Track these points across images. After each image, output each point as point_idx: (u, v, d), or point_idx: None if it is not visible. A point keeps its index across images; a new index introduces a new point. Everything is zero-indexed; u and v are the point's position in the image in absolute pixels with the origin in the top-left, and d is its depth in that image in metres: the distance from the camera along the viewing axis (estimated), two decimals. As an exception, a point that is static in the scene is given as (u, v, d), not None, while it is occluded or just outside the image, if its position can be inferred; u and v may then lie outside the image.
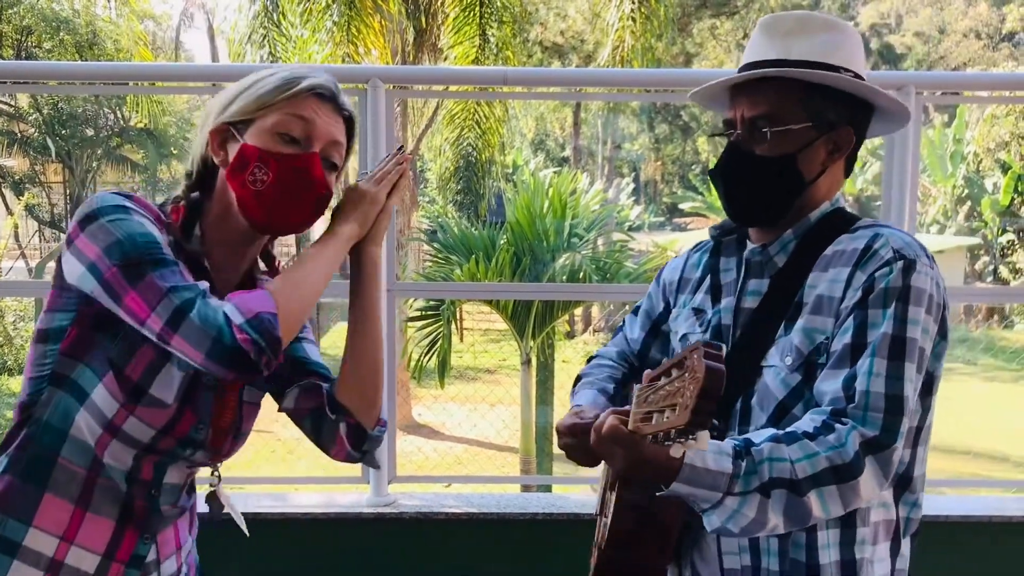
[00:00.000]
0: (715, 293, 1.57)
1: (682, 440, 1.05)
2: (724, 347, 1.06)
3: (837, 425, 1.30)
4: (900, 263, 1.36)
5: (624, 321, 1.83)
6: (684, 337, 1.60)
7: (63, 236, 1.35)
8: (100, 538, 1.32)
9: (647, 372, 1.24)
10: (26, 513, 1.29)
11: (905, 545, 1.48)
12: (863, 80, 1.45)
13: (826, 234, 1.47)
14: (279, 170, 1.31)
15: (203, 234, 1.37)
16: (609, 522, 1.45)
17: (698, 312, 1.59)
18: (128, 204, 1.28)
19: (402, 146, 1.49)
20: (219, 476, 1.50)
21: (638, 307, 1.80)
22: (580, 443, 1.47)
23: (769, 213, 1.49)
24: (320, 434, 1.46)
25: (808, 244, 1.47)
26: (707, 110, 1.67)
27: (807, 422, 1.32)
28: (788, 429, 1.31)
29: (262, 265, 1.48)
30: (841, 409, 1.32)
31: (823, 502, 1.27)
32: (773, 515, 1.27)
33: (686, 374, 1.05)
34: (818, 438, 1.29)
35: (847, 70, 1.45)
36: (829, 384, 1.35)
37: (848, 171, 1.54)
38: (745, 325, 1.48)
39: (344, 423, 1.44)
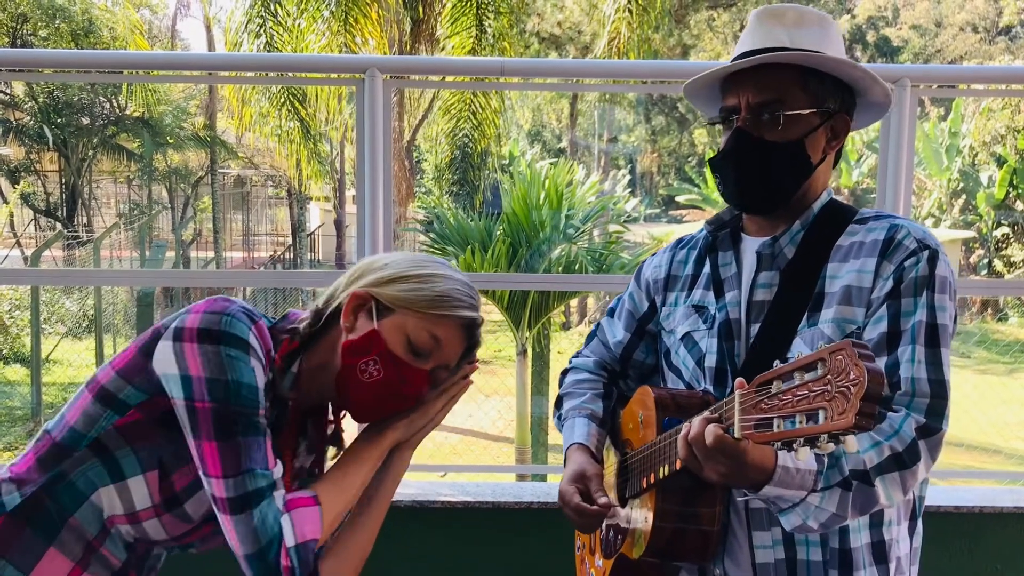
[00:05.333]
0: (717, 288, 1.56)
1: (820, 444, 1.00)
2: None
3: (889, 413, 1.32)
4: (926, 253, 1.40)
5: (599, 326, 1.81)
6: (687, 336, 1.58)
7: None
8: None
9: (739, 379, 1.15)
10: (27, 564, 1.30)
11: (919, 523, 1.52)
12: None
13: (830, 224, 1.49)
14: (389, 375, 1.35)
15: (298, 373, 1.39)
16: (649, 529, 1.45)
17: (699, 308, 1.58)
18: (252, 342, 1.28)
19: (475, 358, 1.48)
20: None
21: (612, 309, 1.79)
22: (585, 523, 1.54)
23: (777, 198, 1.49)
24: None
25: (814, 234, 1.49)
26: (695, 106, 1.66)
27: None
28: None
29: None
30: (887, 397, 1.33)
31: (887, 489, 1.30)
32: (851, 507, 1.29)
33: (830, 376, 0.99)
34: (875, 427, 1.29)
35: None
36: None
37: (836, 162, 1.55)
38: (765, 317, 1.48)
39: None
